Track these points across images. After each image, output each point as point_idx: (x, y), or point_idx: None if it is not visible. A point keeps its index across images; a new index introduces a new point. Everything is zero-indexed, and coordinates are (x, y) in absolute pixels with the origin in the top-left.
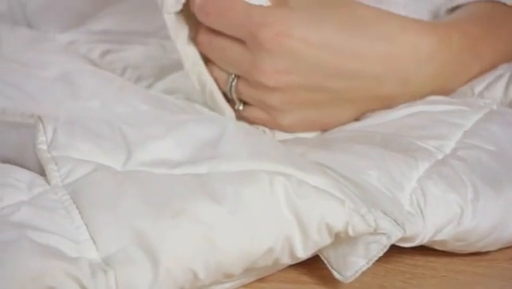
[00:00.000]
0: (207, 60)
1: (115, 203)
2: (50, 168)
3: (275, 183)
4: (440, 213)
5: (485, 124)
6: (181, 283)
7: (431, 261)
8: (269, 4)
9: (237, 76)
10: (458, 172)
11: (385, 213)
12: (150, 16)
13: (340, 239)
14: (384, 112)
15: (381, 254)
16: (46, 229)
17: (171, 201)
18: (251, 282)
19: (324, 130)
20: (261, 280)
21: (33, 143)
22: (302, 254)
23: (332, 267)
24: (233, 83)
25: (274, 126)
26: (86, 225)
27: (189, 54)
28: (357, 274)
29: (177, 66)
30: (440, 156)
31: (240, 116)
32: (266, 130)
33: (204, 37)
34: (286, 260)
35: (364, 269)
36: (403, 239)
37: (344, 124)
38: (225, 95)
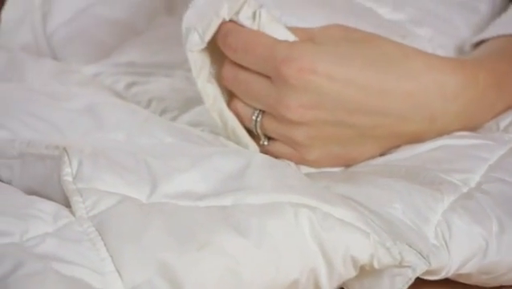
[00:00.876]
0: (231, 95)
1: (141, 235)
2: (76, 199)
3: (300, 215)
4: (465, 246)
5: (509, 158)
6: None
7: None
8: (295, 39)
9: (262, 111)
10: (483, 206)
11: (410, 246)
12: (175, 48)
13: (365, 272)
14: (409, 146)
15: (406, 287)
16: (72, 260)
17: (196, 234)
18: None
19: (349, 165)
20: None
21: (58, 175)
22: (327, 286)
23: None
24: (258, 118)
25: (300, 161)
26: (111, 256)
27: (210, 92)
28: None
29: (202, 98)
30: (465, 190)
31: (265, 151)
32: (291, 163)
33: (229, 71)
34: None
35: None
36: (428, 272)
37: (369, 159)
38: (249, 130)
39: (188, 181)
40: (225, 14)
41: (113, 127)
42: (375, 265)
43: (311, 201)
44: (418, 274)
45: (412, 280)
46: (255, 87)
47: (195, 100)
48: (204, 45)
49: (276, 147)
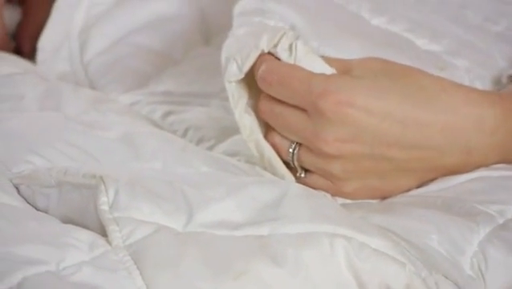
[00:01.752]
0: (268, 127)
1: (177, 264)
2: (112, 228)
3: (336, 245)
4: (501, 277)
5: None
6: None
7: None
8: (332, 71)
9: (299, 144)
10: None
11: (446, 277)
12: (211, 77)
13: None
14: (445, 178)
15: None
16: None
17: (232, 263)
18: None
19: (386, 198)
20: None
21: (94, 203)
22: None
23: None
24: (295, 151)
25: (336, 193)
26: (147, 285)
27: (247, 123)
28: None
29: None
30: (501, 221)
31: (301, 183)
32: (327, 194)
33: (265, 104)
34: None
35: None
36: None
37: (406, 191)
38: (285, 162)
39: (224, 210)
40: (264, 45)
41: (150, 156)
42: None
43: (347, 231)
44: None
45: None
46: (292, 121)
47: (231, 130)
48: (242, 75)
49: (313, 179)
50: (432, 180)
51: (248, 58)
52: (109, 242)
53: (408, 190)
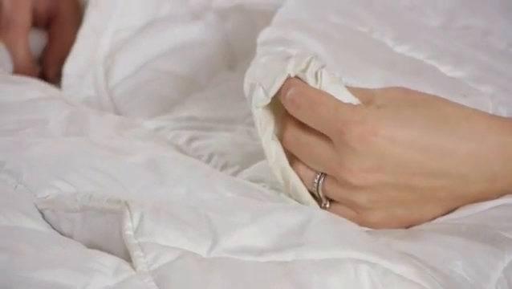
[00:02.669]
0: (293, 157)
1: None
2: (137, 254)
3: (360, 271)
4: None
5: None
6: None
7: None
8: (358, 102)
9: (324, 174)
10: None
11: None
12: (235, 103)
13: None
14: (470, 205)
15: None
16: None
17: None
18: None
19: (411, 226)
20: None
21: (119, 229)
22: None
23: None
24: (320, 182)
25: (362, 223)
26: None
27: (273, 150)
28: None
29: (264, 153)
30: None
31: None
32: None
33: (291, 135)
34: None
35: None
36: None
37: (432, 220)
38: (310, 192)
39: (249, 235)
40: (291, 70)
41: (174, 181)
42: None
43: (371, 257)
44: None
45: None
46: (317, 151)
47: (256, 155)
48: (268, 100)
49: (338, 209)
50: (456, 207)
51: (274, 82)
52: (134, 268)
53: (433, 218)
